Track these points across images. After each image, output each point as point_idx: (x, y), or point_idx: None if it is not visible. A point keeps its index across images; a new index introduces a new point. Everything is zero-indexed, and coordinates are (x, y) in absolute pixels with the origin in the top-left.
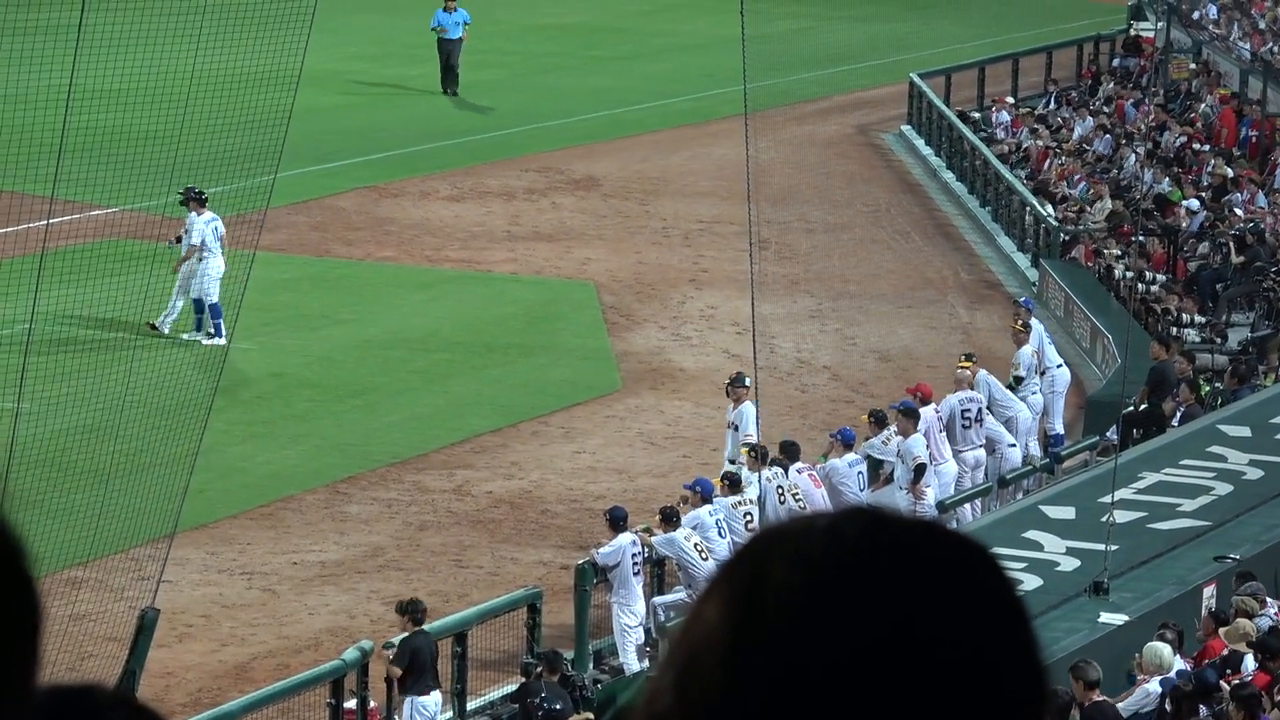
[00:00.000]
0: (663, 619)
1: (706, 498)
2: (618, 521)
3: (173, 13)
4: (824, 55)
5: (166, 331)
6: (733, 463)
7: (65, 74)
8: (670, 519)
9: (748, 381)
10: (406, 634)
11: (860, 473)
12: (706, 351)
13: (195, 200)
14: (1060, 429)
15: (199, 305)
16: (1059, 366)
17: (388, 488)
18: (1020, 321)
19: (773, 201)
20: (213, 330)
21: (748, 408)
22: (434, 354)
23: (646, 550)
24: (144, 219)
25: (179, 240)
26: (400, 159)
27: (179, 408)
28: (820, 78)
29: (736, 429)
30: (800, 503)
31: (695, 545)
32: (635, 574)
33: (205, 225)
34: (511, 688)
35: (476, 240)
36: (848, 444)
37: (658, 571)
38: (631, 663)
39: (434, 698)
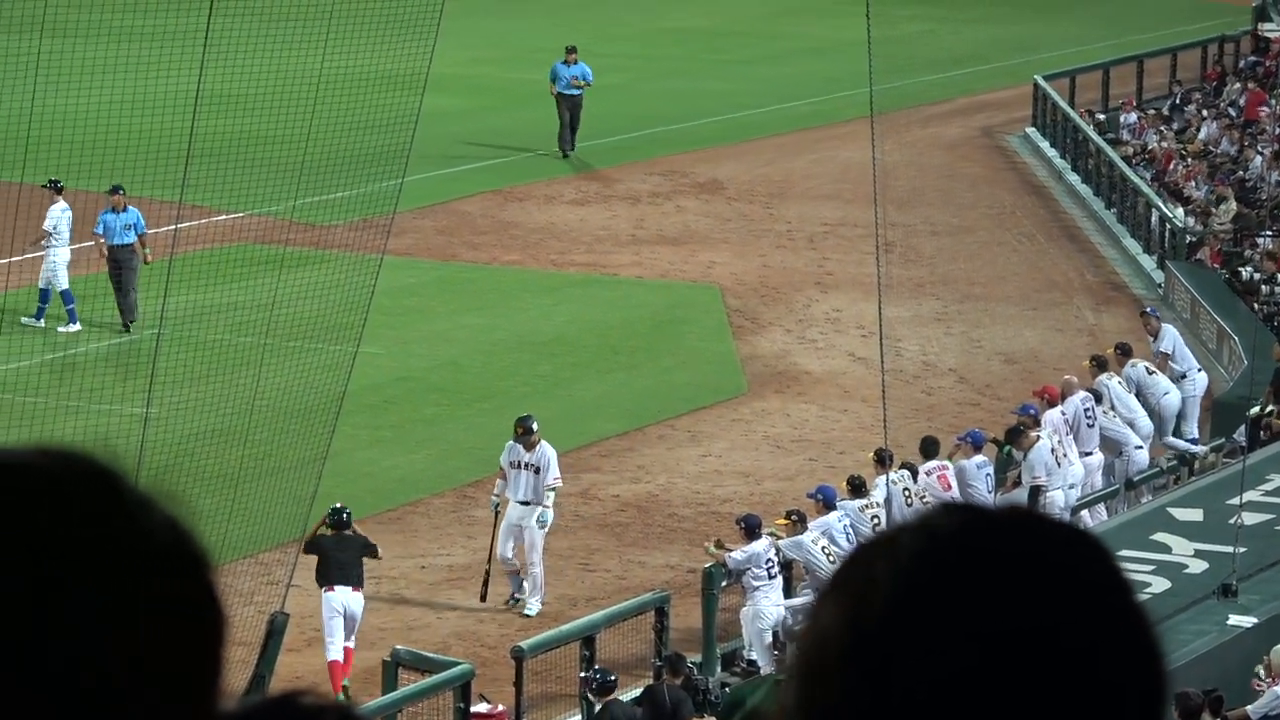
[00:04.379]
0: (790, 622)
1: (829, 504)
2: (753, 530)
3: (299, 17)
4: (948, 57)
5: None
6: (526, 503)
7: (192, 79)
8: (798, 522)
9: (535, 426)
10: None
11: (988, 475)
12: (832, 355)
13: (54, 189)
14: (1195, 433)
15: (44, 295)
16: (1198, 370)
17: None
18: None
19: (898, 204)
20: (68, 317)
21: (547, 449)
22: (560, 358)
23: (778, 554)
24: (270, 223)
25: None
26: (525, 163)
27: (307, 412)
28: (945, 80)
29: (538, 471)
30: (927, 505)
31: (823, 549)
32: (771, 577)
33: (61, 214)
34: (637, 692)
35: (602, 244)
36: (976, 446)
37: (785, 575)
38: (763, 664)
39: None
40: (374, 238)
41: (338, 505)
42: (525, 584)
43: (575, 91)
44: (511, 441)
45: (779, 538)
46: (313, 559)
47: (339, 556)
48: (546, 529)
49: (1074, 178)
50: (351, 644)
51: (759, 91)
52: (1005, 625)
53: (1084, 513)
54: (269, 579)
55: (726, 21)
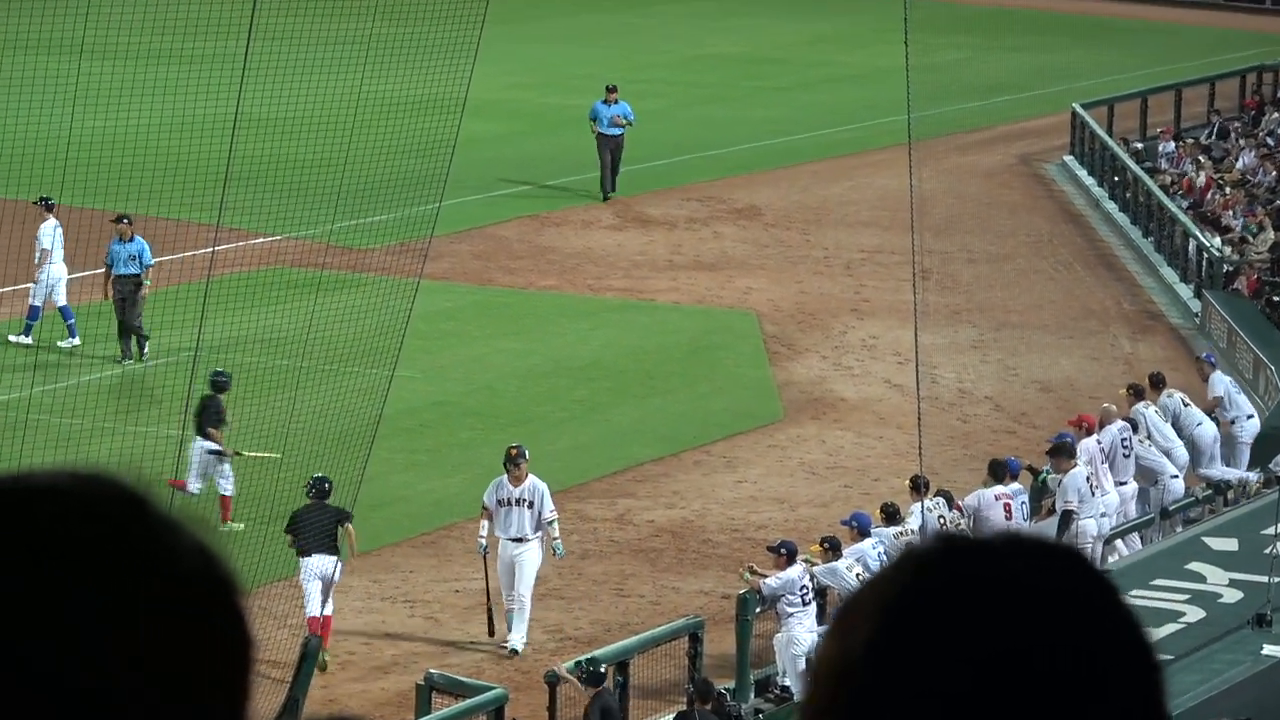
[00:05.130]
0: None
1: (864, 531)
2: (790, 556)
3: (337, 41)
4: (987, 85)
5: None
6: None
7: (231, 102)
8: (832, 549)
9: (527, 454)
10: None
11: (1023, 503)
12: (868, 381)
13: (45, 207)
14: (1243, 472)
15: (34, 312)
16: (1249, 417)
17: None
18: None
19: (935, 231)
20: (67, 332)
21: (538, 481)
22: (596, 383)
23: (813, 580)
24: (307, 246)
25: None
26: (563, 188)
27: (343, 435)
28: (983, 108)
29: (531, 506)
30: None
31: (857, 575)
32: (805, 604)
33: (53, 231)
34: (670, 718)
35: (638, 269)
36: (1013, 474)
37: (819, 601)
38: (797, 691)
39: None
40: (411, 262)
41: (319, 475)
42: (512, 617)
43: (617, 131)
44: (498, 479)
45: (813, 564)
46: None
47: (316, 525)
48: (559, 558)
49: (1111, 206)
50: (330, 610)
51: (796, 118)
52: (997, 648)
53: (1118, 542)
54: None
55: (764, 48)
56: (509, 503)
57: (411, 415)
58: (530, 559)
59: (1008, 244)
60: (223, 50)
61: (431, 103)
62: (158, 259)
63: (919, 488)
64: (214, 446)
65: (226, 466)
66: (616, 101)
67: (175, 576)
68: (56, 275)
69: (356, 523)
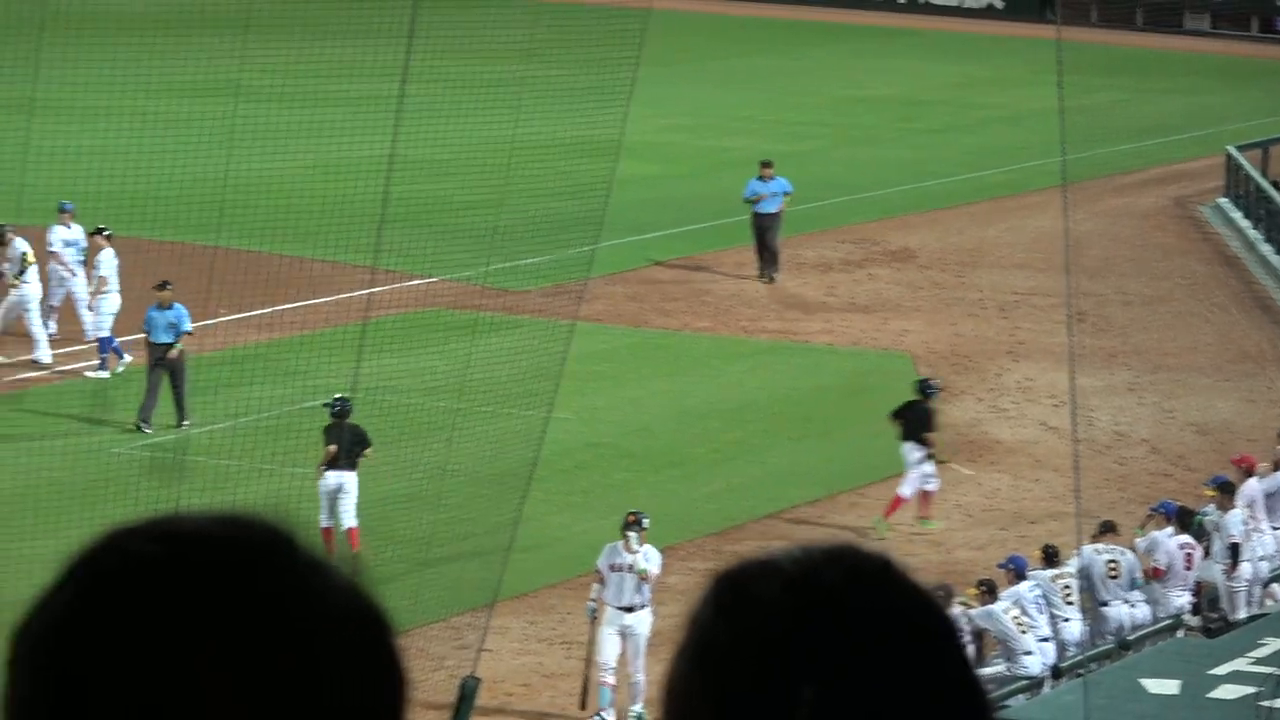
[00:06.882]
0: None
1: (1020, 574)
2: (947, 599)
3: (493, 83)
4: (1140, 127)
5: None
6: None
7: (386, 144)
8: (988, 592)
9: (646, 523)
10: None
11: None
12: (1024, 424)
13: (104, 237)
14: None
15: (104, 344)
16: None
17: (705, 558)
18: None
19: (1089, 273)
20: (111, 360)
21: (652, 549)
22: (750, 424)
23: (969, 623)
24: (463, 288)
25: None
26: (717, 229)
27: (499, 476)
28: (1137, 150)
29: (645, 575)
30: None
31: (1014, 619)
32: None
33: (111, 260)
34: None
35: (792, 311)
36: (1168, 517)
37: (975, 645)
38: None
39: None
40: (566, 304)
41: (340, 395)
42: (629, 703)
43: (773, 209)
44: (612, 544)
45: (970, 607)
46: None
47: (337, 443)
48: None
49: (1267, 249)
50: (355, 523)
51: (950, 160)
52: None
53: (1274, 585)
54: (460, 643)
55: (918, 91)
56: (621, 569)
57: (567, 457)
58: (642, 631)
59: (1162, 286)
60: (378, 92)
61: (586, 145)
62: (319, 299)
63: (1106, 532)
64: (920, 453)
65: (929, 466)
66: (772, 177)
67: (327, 617)
68: (112, 306)
69: (513, 564)
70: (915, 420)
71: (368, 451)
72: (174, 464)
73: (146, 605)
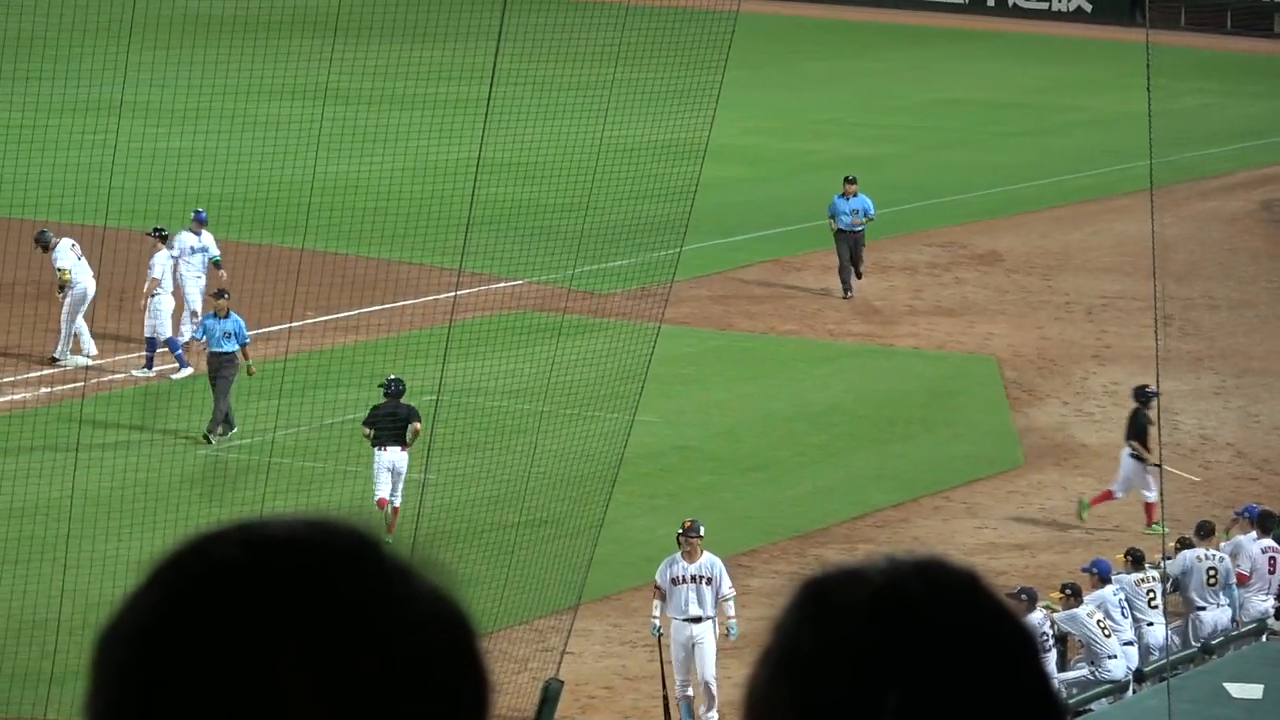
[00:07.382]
0: (1063, 696)
1: (1104, 578)
2: (1031, 602)
3: (579, 86)
4: (1229, 131)
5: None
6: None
7: (473, 146)
8: (1072, 596)
9: (703, 531)
10: None
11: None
12: (1110, 428)
13: (159, 237)
14: None
15: (151, 344)
16: None
17: (789, 561)
18: None
19: (1177, 277)
20: (177, 364)
21: (713, 557)
22: (835, 427)
23: (1053, 627)
24: (549, 291)
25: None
26: (803, 232)
27: (583, 479)
28: (1225, 153)
29: (710, 582)
30: (1213, 583)
31: (1098, 622)
32: (1045, 650)
33: (166, 261)
34: None
35: (878, 314)
36: (1252, 521)
37: (1060, 648)
38: None
39: None
40: (651, 306)
41: (394, 376)
42: (704, 710)
43: (857, 228)
44: (671, 556)
45: (1054, 610)
46: None
47: (391, 421)
48: (732, 639)
49: None
50: (398, 501)
51: (1037, 163)
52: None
53: None
54: (543, 645)
55: (1004, 94)
56: (684, 580)
57: (651, 459)
58: (710, 640)
59: (1249, 290)
60: (466, 95)
61: (673, 147)
62: (405, 301)
63: (1204, 535)
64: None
65: (1149, 478)
66: (855, 195)
67: (409, 621)
68: (167, 306)
69: (597, 567)
70: (1132, 428)
71: (416, 425)
72: (259, 466)
73: (230, 609)
